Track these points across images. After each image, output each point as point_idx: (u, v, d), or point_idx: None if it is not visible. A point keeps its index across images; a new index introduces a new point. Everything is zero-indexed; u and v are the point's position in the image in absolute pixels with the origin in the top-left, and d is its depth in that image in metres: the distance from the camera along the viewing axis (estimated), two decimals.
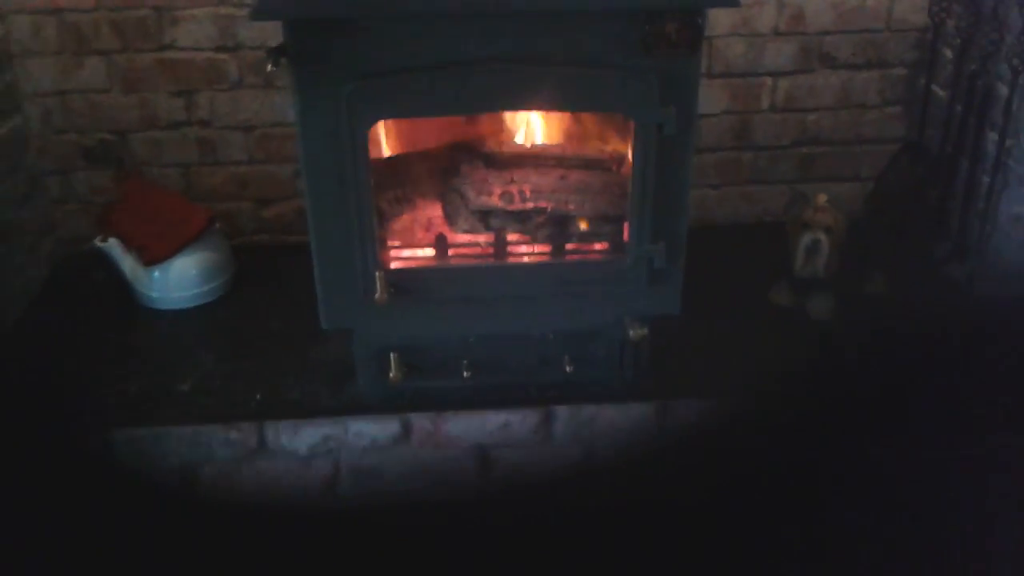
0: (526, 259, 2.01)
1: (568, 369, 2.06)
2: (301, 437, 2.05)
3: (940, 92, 2.46)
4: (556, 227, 1.99)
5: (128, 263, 2.39)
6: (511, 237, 1.99)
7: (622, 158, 2.01)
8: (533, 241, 2.01)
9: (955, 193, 2.39)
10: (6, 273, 2.35)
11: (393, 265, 1.96)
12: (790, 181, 2.66)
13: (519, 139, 2.13)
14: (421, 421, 2.06)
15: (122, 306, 2.40)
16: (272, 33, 1.76)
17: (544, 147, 2.12)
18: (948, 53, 2.40)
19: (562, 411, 2.08)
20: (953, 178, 2.39)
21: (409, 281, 1.94)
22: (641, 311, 2.00)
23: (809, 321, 2.30)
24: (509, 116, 2.11)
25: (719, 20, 2.46)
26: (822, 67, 2.57)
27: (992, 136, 2.23)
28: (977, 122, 2.29)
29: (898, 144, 2.60)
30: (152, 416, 2.05)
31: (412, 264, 2.00)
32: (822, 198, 2.22)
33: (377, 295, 1.88)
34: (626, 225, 1.92)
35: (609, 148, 2.10)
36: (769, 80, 2.58)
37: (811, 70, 2.57)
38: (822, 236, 2.19)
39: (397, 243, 2.01)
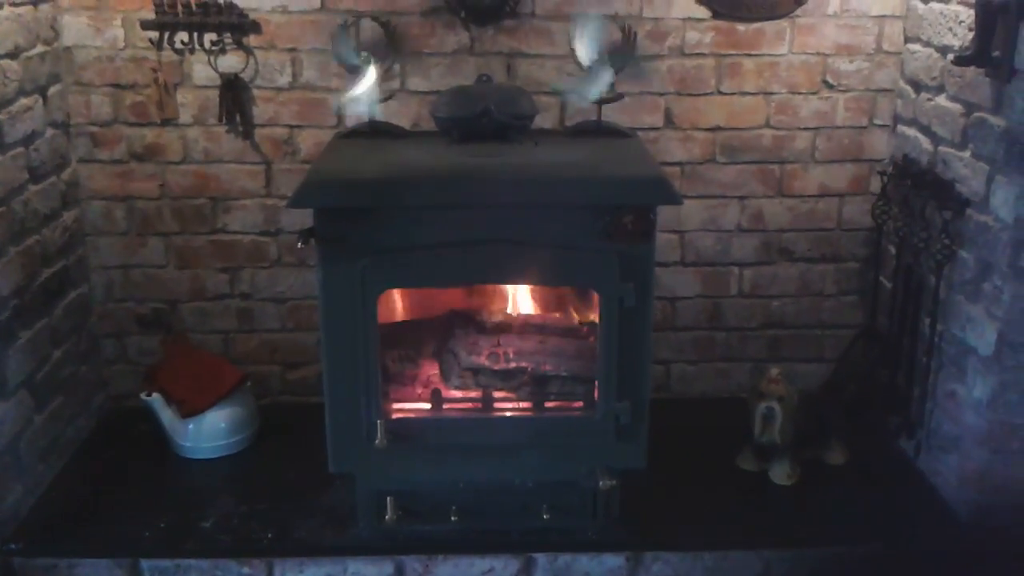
0: (509, 413, 2.30)
1: (546, 516, 2.28)
2: (305, 575, 2.28)
3: (887, 283, 2.78)
4: (535, 385, 2.29)
5: (167, 416, 2.66)
6: (496, 393, 2.28)
7: (593, 326, 2.33)
8: (516, 397, 2.30)
9: (902, 372, 2.66)
10: (60, 423, 2.62)
11: (393, 415, 2.25)
12: (759, 360, 2.91)
13: (506, 309, 2.47)
14: (413, 564, 2.29)
15: (160, 455, 2.68)
16: (307, 219, 2.11)
17: (527, 316, 2.46)
18: (892, 249, 2.73)
19: (541, 559, 2.30)
20: (899, 359, 2.66)
21: (406, 429, 2.23)
22: (610, 464, 2.24)
23: (771, 485, 2.54)
24: (498, 289, 2.46)
25: (691, 216, 2.80)
26: (781, 259, 2.88)
27: (926, 321, 2.53)
28: (914, 309, 2.58)
29: (858, 329, 2.89)
30: (176, 549, 2.31)
31: (410, 414, 2.29)
32: (774, 370, 2.49)
33: (378, 440, 2.17)
34: (596, 385, 2.22)
35: (581, 318, 2.43)
36: (736, 269, 2.89)
37: (772, 262, 2.88)
38: (775, 405, 2.45)
39: (397, 396, 2.31)
